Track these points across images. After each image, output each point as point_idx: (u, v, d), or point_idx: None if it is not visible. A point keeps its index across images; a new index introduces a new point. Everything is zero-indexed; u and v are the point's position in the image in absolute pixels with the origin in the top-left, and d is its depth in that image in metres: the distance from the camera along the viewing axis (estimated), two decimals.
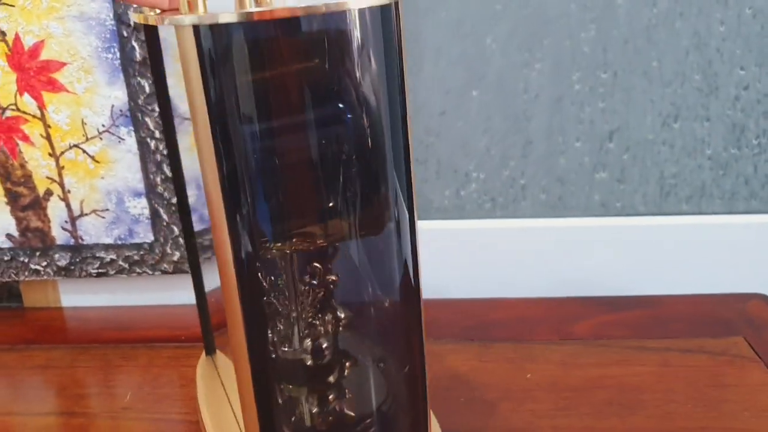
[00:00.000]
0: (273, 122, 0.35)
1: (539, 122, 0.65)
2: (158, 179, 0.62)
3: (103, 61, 0.59)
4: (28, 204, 0.64)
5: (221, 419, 0.46)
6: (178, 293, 0.67)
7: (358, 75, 0.34)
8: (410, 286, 0.39)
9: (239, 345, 0.36)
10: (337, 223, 0.38)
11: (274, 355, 0.41)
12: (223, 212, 0.34)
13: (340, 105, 0.35)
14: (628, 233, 0.66)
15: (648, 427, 0.48)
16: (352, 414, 0.42)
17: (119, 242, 0.64)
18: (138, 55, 0.58)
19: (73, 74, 0.59)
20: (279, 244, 0.38)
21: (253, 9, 0.31)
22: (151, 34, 0.46)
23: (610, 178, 0.66)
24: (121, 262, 0.65)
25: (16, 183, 0.63)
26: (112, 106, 0.60)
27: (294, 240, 0.38)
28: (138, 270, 0.65)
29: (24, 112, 0.61)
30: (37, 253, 0.65)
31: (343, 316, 0.42)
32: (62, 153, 0.62)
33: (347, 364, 0.43)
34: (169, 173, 0.61)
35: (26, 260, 0.66)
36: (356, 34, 0.33)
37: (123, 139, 0.61)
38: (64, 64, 0.59)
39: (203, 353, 0.54)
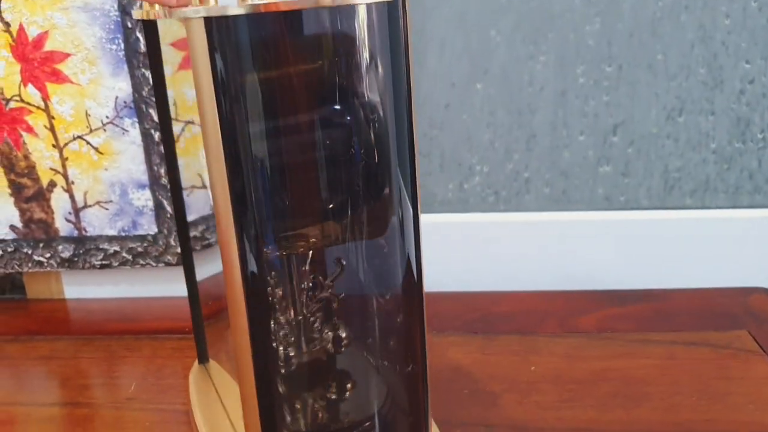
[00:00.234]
0: (281, 114, 0.35)
1: (543, 115, 0.65)
2: (162, 171, 0.62)
3: (107, 52, 0.58)
4: (32, 195, 0.64)
5: (217, 426, 0.46)
6: (182, 285, 0.67)
7: (364, 70, 0.34)
8: (413, 280, 0.39)
9: (242, 346, 0.36)
10: (342, 217, 0.38)
11: (278, 356, 0.41)
12: (228, 198, 0.34)
13: (348, 100, 0.35)
14: (632, 227, 0.66)
15: (653, 419, 0.48)
16: (354, 413, 0.42)
17: (123, 234, 0.64)
18: (142, 47, 0.58)
19: (77, 65, 0.59)
20: (285, 243, 0.38)
21: (265, 0, 0.31)
22: (149, 30, 0.46)
23: (614, 172, 0.66)
24: (124, 254, 0.65)
25: (19, 174, 0.63)
26: (116, 97, 0.60)
27: (298, 238, 0.38)
28: (141, 262, 0.65)
29: (28, 103, 0.61)
30: (41, 245, 0.65)
31: (345, 318, 0.42)
32: (66, 144, 0.61)
33: (348, 363, 0.43)
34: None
35: (30, 252, 0.65)
36: (364, 29, 0.34)
37: (127, 131, 0.61)
38: (68, 55, 0.59)
39: (195, 362, 0.54)
